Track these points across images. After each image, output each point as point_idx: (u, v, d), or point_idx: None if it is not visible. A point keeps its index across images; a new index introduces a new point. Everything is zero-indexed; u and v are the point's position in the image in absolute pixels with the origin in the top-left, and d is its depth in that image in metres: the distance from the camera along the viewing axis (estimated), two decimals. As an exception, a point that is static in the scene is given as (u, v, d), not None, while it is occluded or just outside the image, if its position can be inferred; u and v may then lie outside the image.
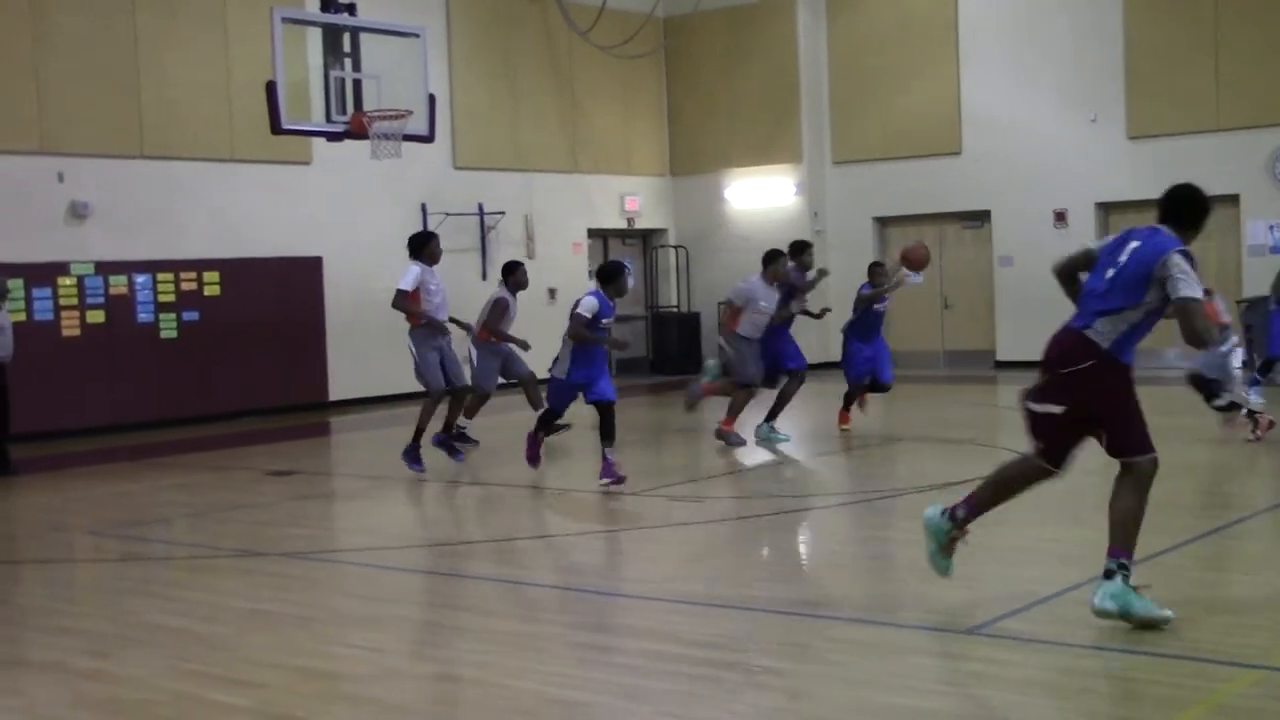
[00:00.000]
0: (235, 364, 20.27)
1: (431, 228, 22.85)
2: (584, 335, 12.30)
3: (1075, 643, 6.75)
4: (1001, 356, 24.34)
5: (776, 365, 15.21)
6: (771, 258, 15.09)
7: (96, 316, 18.93)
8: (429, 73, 18.41)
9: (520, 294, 15.52)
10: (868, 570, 9.08)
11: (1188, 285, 7.00)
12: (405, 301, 13.58)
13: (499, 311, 15.27)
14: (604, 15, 24.79)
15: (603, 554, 9.94)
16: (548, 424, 13.09)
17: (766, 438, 15.11)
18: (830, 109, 26.28)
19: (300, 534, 10.95)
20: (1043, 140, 23.81)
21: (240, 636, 7.54)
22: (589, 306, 12.30)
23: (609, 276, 12.56)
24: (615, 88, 26.33)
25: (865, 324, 15.72)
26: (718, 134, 27.02)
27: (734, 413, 14.87)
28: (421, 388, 14.09)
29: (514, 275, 15.57)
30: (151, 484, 14.20)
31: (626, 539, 10.31)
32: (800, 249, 15.77)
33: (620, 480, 12.00)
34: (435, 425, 14.06)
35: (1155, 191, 25.23)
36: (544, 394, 13.84)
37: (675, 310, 27.29)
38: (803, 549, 10.09)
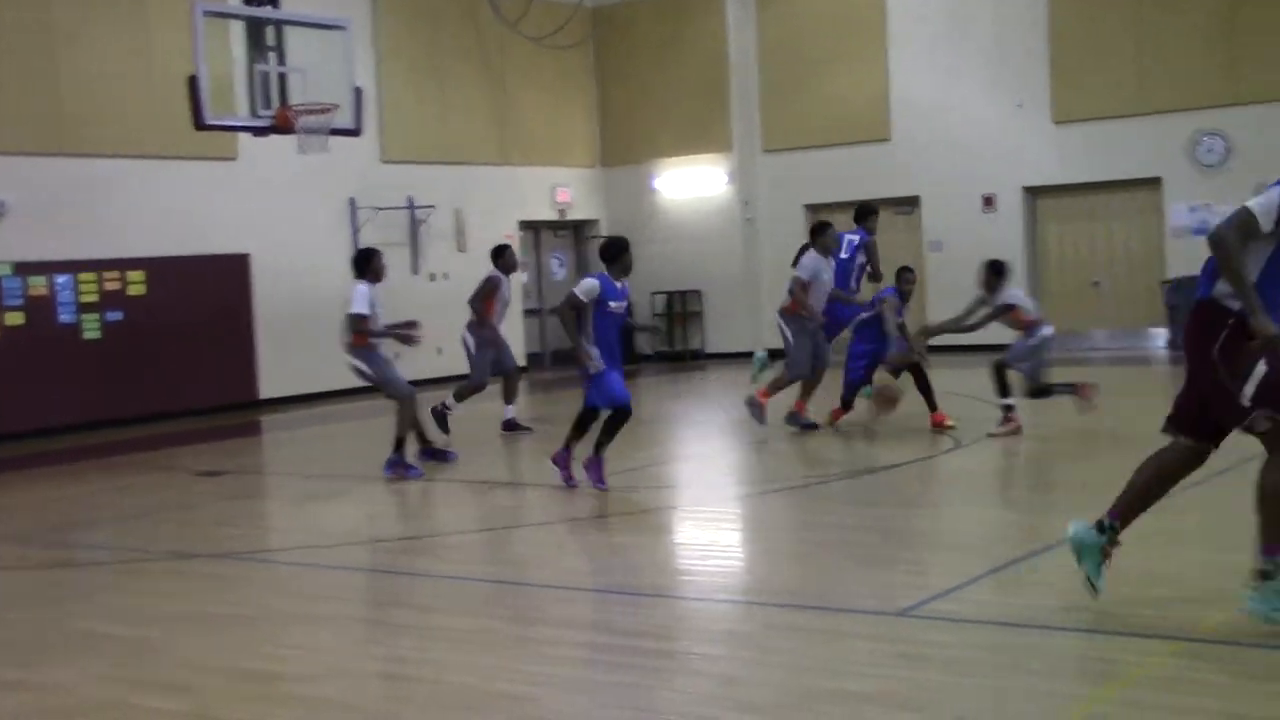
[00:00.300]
0: (163, 364, 20.05)
1: (360, 222, 22.80)
2: (565, 316, 11.30)
3: (1005, 621, 6.82)
4: (934, 340, 24.44)
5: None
6: (820, 229, 14.66)
7: (16, 318, 18.60)
8: (356, 66, 18.34)
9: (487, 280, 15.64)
10: (801, 556, 9.13)
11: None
12: (360, 324, 12.99)
13: (490, 290, 15.40)
14: (533, 6, 24.76)
15: (541, 547, 9.94)
16: (584, 428, 11.71)
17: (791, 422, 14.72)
18: (760, 97, 26.35)
19: (234, 534, 10.88)
20: (970, 126, 24.00)
21: (174, 640, 7.48)
22: (587, 289, 11.23)
23: (612, 254, 11.48)
24: (545, 79, 26.28)
25: (868, 326, 14.78)
26: (648, 124, 27.03)
27: (804, 396, 14.55)
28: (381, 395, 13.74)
29: (503, 258, 15.75)
30: (78, 488, 14.03)
31: (564, 531, 10.31)
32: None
33: (604, 487, 11.37)
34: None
35: (1081, 175, 25.76)
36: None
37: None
38: (737, 536, 10.13)
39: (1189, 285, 21.68)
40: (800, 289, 14.23)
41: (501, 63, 25.44)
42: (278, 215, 21.55)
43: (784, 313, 14.53)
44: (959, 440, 13.18)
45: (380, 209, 23.05)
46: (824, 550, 9.16)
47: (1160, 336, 22.78)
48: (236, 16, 16.76)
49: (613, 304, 11.31)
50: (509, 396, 15.79)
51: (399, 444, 13.00)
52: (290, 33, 17.07)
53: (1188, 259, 22.17)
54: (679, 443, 15.20)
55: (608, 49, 27.38)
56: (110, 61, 19.70)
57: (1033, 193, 23.87)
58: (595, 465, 11.44)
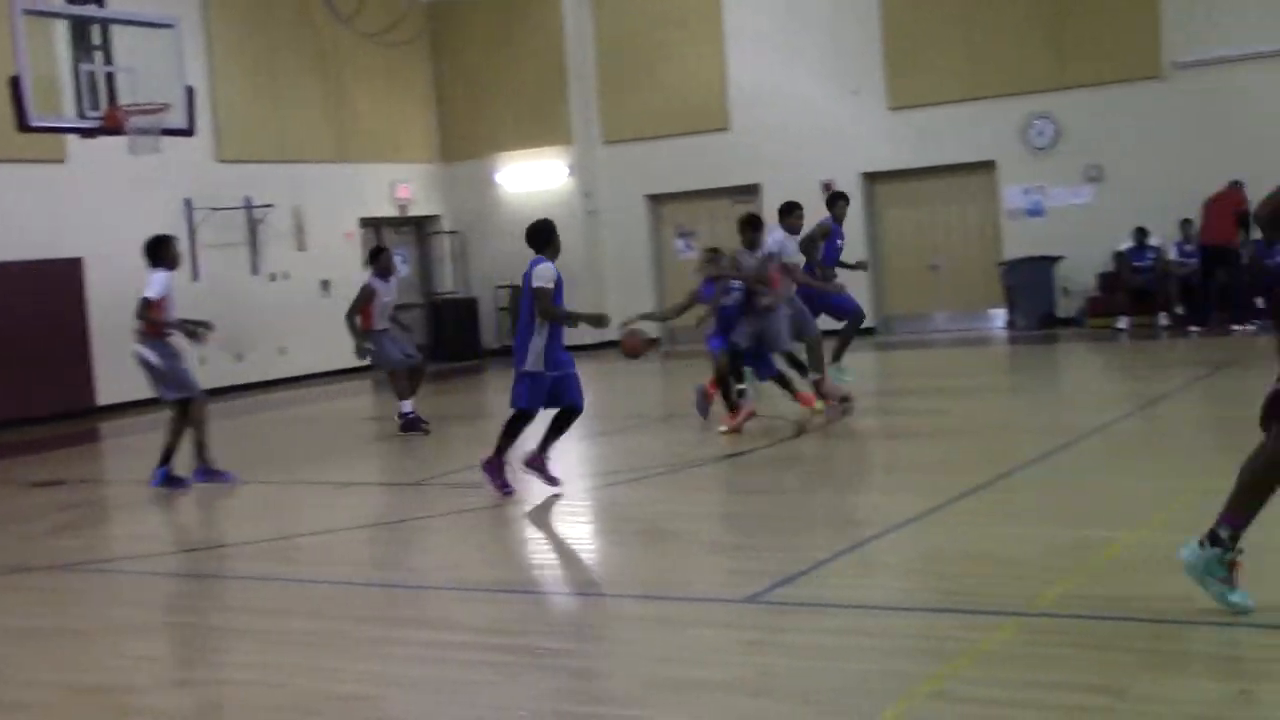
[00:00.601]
0: (-7, 370, 19.51)
1: (197, 222, 22.40)
2: (557, 313, 10.46)
3: (849, 604, 6.91)
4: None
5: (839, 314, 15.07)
6: (789, 209, 14.22)
7: None
8: (186, 64, 18.01)
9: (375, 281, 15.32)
10: (650, 546, 9.16)
11: None
12: (150, 311, 12.45)
13: (365, 299, 15.11)
14: (367, 2, 24.49)
15: (384, 546, 9.85)
16: (516, 433, 10.80)
17: (837, 378, 14.62)
18: (599, 89, 26.39)
19: (72, 545, 10.62)
20: (808, 114, 24.27)
21: (10, 656, 7.28)
22: (547, 275, 10.35)
23: (547, 237, 10.71)
24: (381, 74, 26.04)
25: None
26: (487, 118, 26.92)
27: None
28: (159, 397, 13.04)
29: (378, 261, 15.51)
30: (-90, 502, 13.63)
31: (408, 530, 10.23)
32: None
33: (510, 493, 10.72)
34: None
35: (916, 161, 26.18)
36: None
37: (453, 296, 27.13)
38: (587, 529, 10.13)
39: (1025, 267, 22.33)
40: (782, 268, 13.66)
41: (337, 59, 25.16)
42: (111, 218, 21.04)
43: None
44: (804, 426, 13.30)
45: (217, 209, 22.67)
46: (672, 540, 9.19)
47: (999, 317, 23.25)
48: (59, 15, 16.35)
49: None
50: (411, 390, 15.32)
51: (169, 454, 12.51)
52: (118, 32, 16.71)
53: (1023, 240, 22.72)
54: (525, 436, 15.15)
55: (444, 44, 27.20)
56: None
57: (870, 179, 24.21)
58: (540, 463, 10.80)
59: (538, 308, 10.43)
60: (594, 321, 10.95)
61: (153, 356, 12.55)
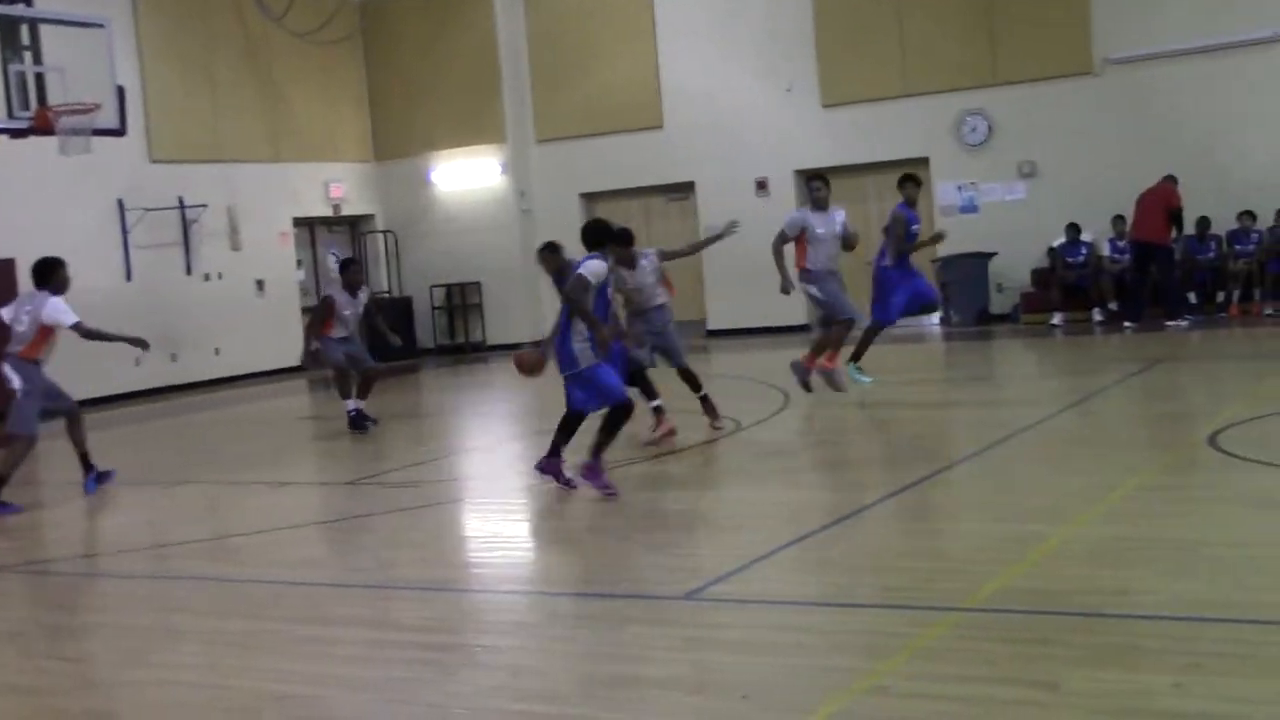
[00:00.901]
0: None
1: (130, 223, 22.20)
2: (585, 306, 9.89)
3: (787, 600, 6.95)
4: (713, 325, 24.80)
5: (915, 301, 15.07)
6: (817, 183, 14.34)
7: None
8: (117, 64, 17.86)
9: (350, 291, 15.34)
10: (586, 544, 9.17)
11: None
12: (84, 332, 12.12)
13: (325, 311, 15.19)
14: (297, 1, 24.33)
15: (320, 545, 9.81)
16: (571, 432, 10.45)
17: (854, 379, 14.60)
18: (531, 87, 26.35)
19: (5, 547, 10.49)
20: (741, 111, 24.33)
21: (-60, 659, 7.21)
22: (596, 270, 9.93)
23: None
24: (314, 74, 25.90)
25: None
26: (421, 117, 26.82)
27: (833, 348, 14.23)
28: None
29: (346, 273, 15.54)
30: None
31: (345, 529, 10.18)
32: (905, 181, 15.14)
33: (613, 494, 10.01)
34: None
35: (850, 158, 26.18)
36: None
37: (387, 295, 27.01)
38: (523, 527, 10.12)
39: (959, 263, 22.47)
40: (781, 241, 13.90)
41: (269, 59, 24.99)
42: (44, 219, 20.78)
43: (802, 273, 14.09)
44: (739, 423, 13.33)
45: (150, 209, 22.48)
46: (609, 537, 9.20)
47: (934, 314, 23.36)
48: (-14, 14, 16.19)
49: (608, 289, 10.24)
50: (362, 393, 15.35)
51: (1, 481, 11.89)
52: (46, 31, 16.54)
53: (957, 237, 22.82)
54: (463, 435, 15.14)
55: (376, 42, 27.09)
56: None
57: (804, 175, 24.26)
58: (595, 470, 10.12)
59: (565, 292, 10.14)
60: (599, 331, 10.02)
61: (17, 381, 12.06)
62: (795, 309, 23.57)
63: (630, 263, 12.38)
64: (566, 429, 10.43)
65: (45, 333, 12.03)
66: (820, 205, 14.02)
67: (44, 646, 7.37)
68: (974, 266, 22.52)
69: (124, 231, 22.23)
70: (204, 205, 23.39)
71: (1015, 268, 22.64)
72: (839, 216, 14.10)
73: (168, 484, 12.97)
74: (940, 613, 6.47)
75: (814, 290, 14.14)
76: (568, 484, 10.34)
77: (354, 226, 27.49)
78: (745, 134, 24.29)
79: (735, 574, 7.50)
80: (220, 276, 23.83)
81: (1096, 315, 21.23)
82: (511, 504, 10.67)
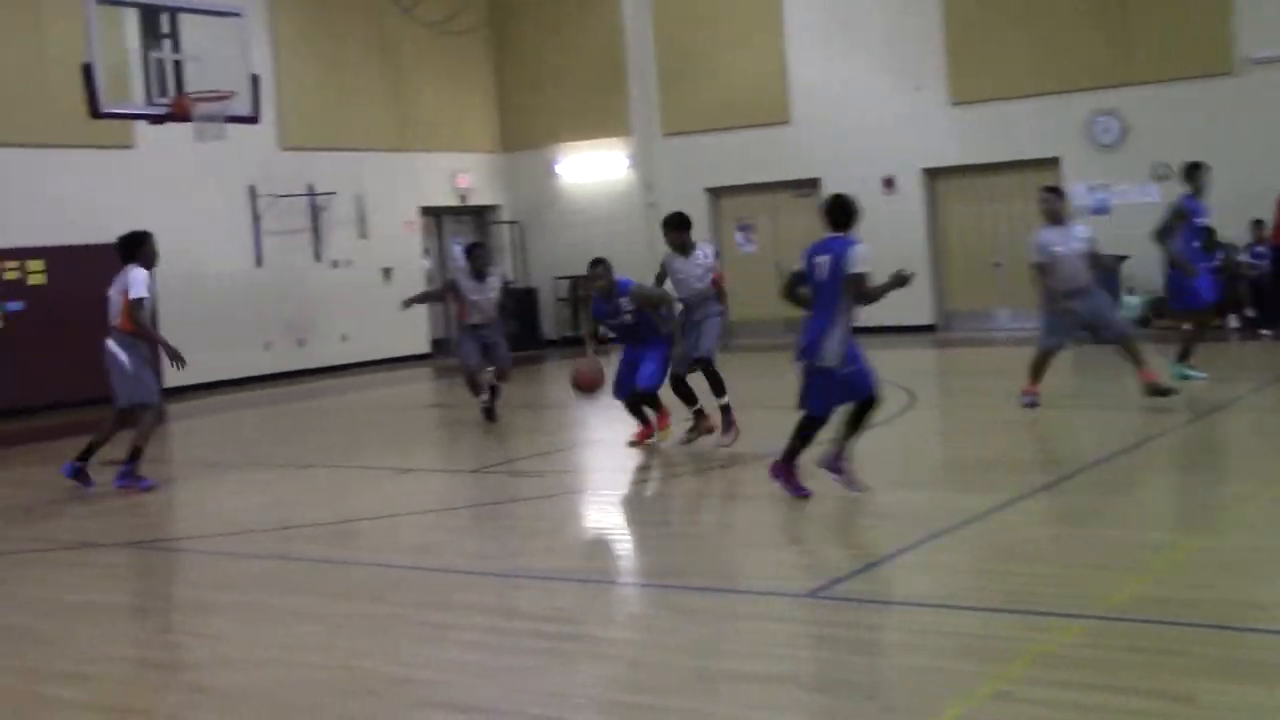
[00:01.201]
0: (66, 353, 19.72)
1: (261, 209, 22.55)
2: (876, 295, 9.27)
3: (911, 601, 6.89)
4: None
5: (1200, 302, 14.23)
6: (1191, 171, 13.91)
7: (-85, 309, 18.31)
8: (252, 53, 18.14)
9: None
10: (709, 539, 9.17)
11: None
12: (137, 311, 11.89)
13: (446, 292, 15.10)
14: (429, -9, 24.59)
15: (443, 533, 9.88)
16: (808, 439, 9.56)
17: (1184, 377, 14.04)
18: (658, 81, 26.35)
19: (137, 524, 10.74)
20: (869, 108, 24.13)
21: (74, 630, 7.38)
22: (868, 258, 9.25)
23: (852, 214, 9.61)
24: (443, 64, 26.12)
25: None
26: (548, 109, 26.95)
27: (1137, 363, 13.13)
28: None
29: (471, 257, 15.24)
30: (-22, 479, 13.83)
31: (468, 516, 10.27)
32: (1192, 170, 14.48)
33: (807, 495, 9.48)
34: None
35: (978, 157, 25.89)
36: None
37: (512, 286, 27.11)
38: (641, 520, 10.14)
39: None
40: (1040, 271, 13.02)
41: (399, 48, 25.26)
42: (178, 203, 21.24)
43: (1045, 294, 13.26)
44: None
45: (280, 196, 22.83)
46: (732, 533, 9.19)
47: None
48: (130, 4, 16.50)
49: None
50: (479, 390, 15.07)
51: (137, 453, 12.07)
52: (185, 20, 16.83)
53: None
54: (586, 427, 15.17)
55: (505, 34, 27.26)
56: (1, 51, 19.37)
57: (932, 174, 24.07)
58: (838, 460, 9.54)
59: (851, 293, 9.27)
60: (899, 283, 9.19)
61: (123, 354, 12.10)
62: (920, 308, 23.40)
63: (684, 249, 12.08)
64: (805, 434, 9.48)
65: (134, 306, 11.92)
66: (1055, 219, 12.92)
67: (176, 622, 7.53)
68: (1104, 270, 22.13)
69: (255, 218, 22.61)
70: (333, 193, 23.71)
71: (1147, 271, 22.23)
72: (1080, 231, 13.11)
73: (294, 467, 13.17)
74: (1067, 619, 6.37)
75: (1076, 306, 13.00)
76: (799, 491, 9.43)
77: (480, 216, 27.70)
78: (872, 131, 24.09)
79: (858, 573, 7.46)
80: (348, 263, 24.15)
81: (1232, 321, 20.79)
82: (635, 497, 10.69)
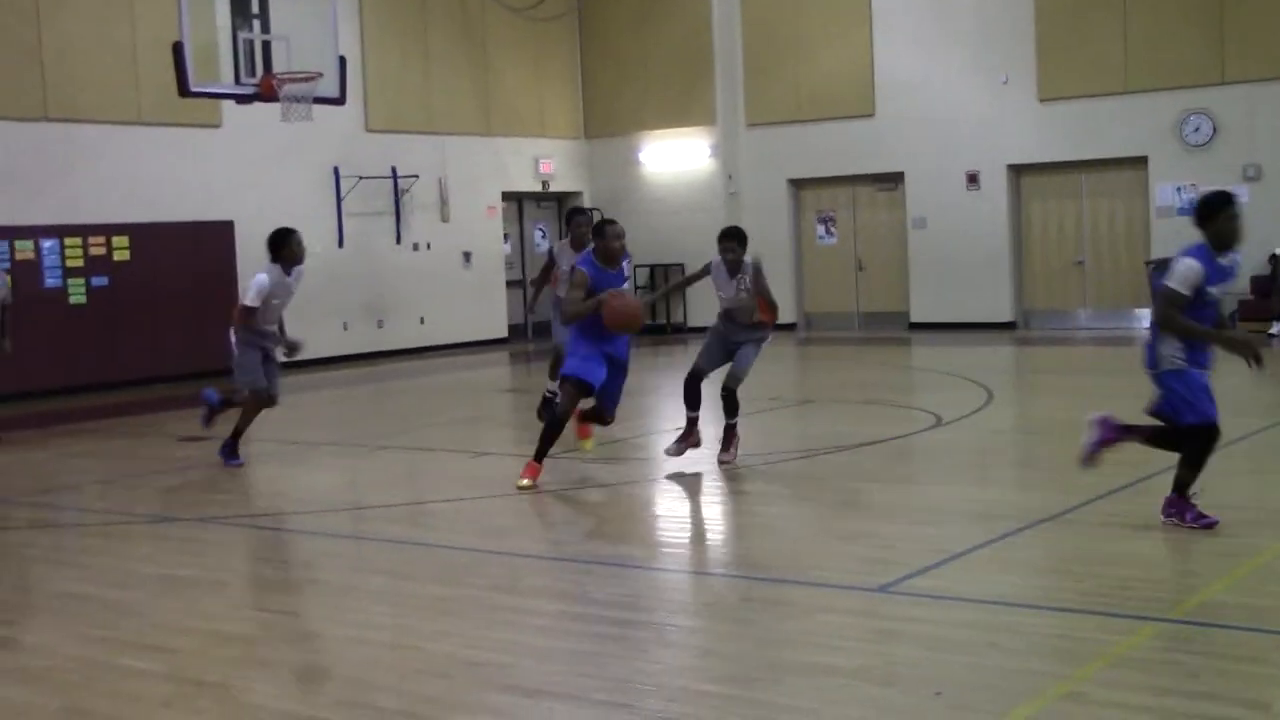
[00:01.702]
0: (148, 329, 20.07)
1: (344, 191, 22.72)
2: (1178, 326, 8.21)
3: (983, 599, 6.84)
4: (915, 319, 24.50)
5: None
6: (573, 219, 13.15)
7: (2, 282, 18.57)
8: (339, 34, 18.26)
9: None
10: (778, 530, 9.14)
11: None
12: (244, 318, 11.95)
13: (548, 265, 13.66)
14: (517, -23, 24.66)
15: (516, 516, 9.91)
16: (1199, 459, 8.35)
17: None
18: (744, 71, 26.28)
19: (214, 499, 10.87)
20: (954, 102, 23.96)
21: (152, 602, 7.49)
22: (1187, 275, 7.98)
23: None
24: (528, 50, 26.21)
25: None
26: (631, 96, 26.98)
27: None
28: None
29: (572, 226, 13.36)
30: (61, 451, 14.04)
31: (540, 501, 10.29)
32: None
33: (1213, 523, 8.11)
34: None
35: (1065, 154, 25.72)
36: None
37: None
38: (717, 509, 10.13)
39: (1172, 266, 21.77)
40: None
41: (484, 33, 25.35)
42: (263, 183, 21.49)
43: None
44: (939, 418, 13.16)
45: (364, 178, 22.99)
46: (804, 526, 9.16)
47: (1144, 317, 22.78)
48: (221, -17, 16.69)
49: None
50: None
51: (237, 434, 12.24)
52: (275, 1, 17.00)
53: (1173, 239, 22.18)
54: (661, 416, 15.18)
55: (591, 21, 27.30)
56: (95, 28, 19.67)
57: (1017, 170, 23.86)
58: (1182, 506, 8.30)
59: (1155, 311, 8.39)
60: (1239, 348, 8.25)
61: (233, 340, 12.12)
62: (999, 305, 23.25)
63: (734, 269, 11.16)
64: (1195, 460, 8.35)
65: (250, 312, 11.90)
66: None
67: (250, 597, 7.61)
68: (1189, 270, 21.83)
69: (338, 198, 22.78)
70: (415, 176, 23.85)
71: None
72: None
73: (370, 448, 13.27)
74: (1141, 621, 6.31)
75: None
76: (1203, 521, 8.14)
77: (561, 203, 27.76)
78: (958, 126, 23.91)
79: (930, 569, 7.41)
80: (428, 247, 24.29)
81: (1314, 325, 20.47)
82: (707, 486, 10.67)
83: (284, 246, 12.01)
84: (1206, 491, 8.28)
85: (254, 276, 12.10)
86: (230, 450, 12.22)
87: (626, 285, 10.42)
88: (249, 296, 11.94)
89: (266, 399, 12.28)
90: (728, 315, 11.43)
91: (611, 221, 10.97)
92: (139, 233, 20.01)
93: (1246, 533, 8.02)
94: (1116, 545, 7.90)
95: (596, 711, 5.50)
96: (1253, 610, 6.41)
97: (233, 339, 12.15)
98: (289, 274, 12.01)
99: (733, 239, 11.01)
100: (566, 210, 15.33)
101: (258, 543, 9.31)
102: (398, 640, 6.58)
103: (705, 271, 11.33)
